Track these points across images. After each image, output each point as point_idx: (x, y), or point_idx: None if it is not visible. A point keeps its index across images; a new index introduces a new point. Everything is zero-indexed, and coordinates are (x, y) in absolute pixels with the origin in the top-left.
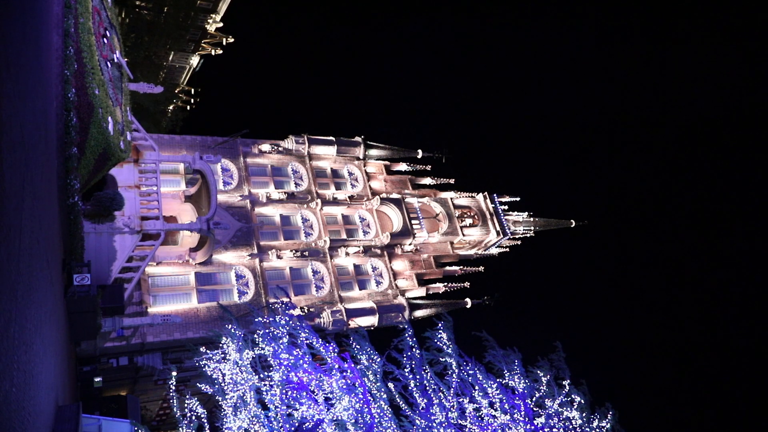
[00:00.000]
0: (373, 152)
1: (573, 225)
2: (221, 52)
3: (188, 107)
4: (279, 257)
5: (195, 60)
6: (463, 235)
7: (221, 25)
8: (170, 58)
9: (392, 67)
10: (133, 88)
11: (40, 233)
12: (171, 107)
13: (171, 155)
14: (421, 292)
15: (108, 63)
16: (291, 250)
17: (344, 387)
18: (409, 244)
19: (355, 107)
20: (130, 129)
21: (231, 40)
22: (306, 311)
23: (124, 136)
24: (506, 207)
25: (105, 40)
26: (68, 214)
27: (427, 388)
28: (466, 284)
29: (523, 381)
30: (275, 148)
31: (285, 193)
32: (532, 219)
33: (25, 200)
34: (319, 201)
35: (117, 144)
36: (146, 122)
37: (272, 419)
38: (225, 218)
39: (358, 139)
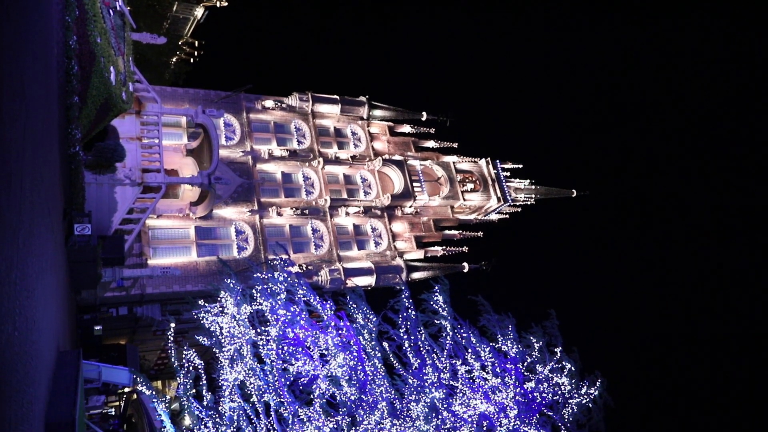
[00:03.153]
0: (377, 113)
1: (574, 195)
2: (226, 3)
3: (192, 60)
4: (279, 214)
5: (199, 11)
6: (464, 199)
7: None
8: (174, 9)
9: (400, 29)
10: (136, 38)
11: (41, 182)
12: (174, 59)
13: (173, 108)
14: (420, 254)
15: (110, 11)
16: (291, 208)
17: (339, 344)
18: (410, 207)
19: (361, 66)
20: (132, 80)
21: None
22: (304, 269)
23: (126, 87)
24: (508, 173)
25: None
26: (69, 163)
27: (421, 348)
28: (465, 249)
29: (515, 346)
30: (279, 104)
31: (287, 150)
32: (533, 187)
33: (26, 149)
34: (321, 159)
35: (119, 94)
36: (148, 74)
37: (268, 373)
38: (226, 173)
39: (362, 98)
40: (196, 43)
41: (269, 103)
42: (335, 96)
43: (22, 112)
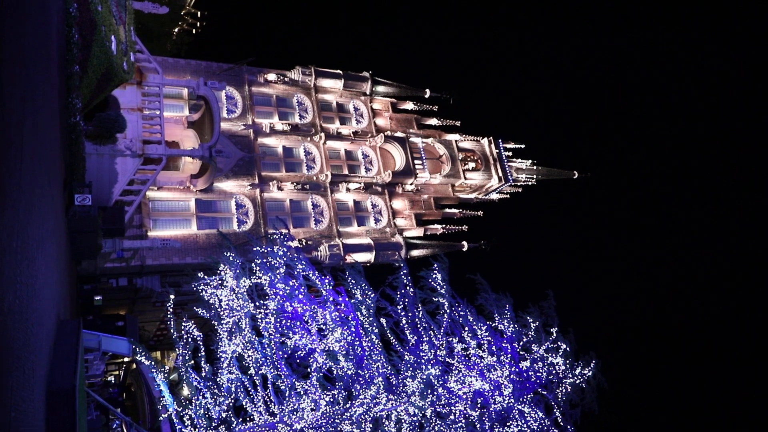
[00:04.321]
0: (381, 89)
1: (576, 176)
2: None
3: (194, 31)
4: (280, 189)
5: None
6: (465, 178)
7: None
8: None
9: (405, 5)
10: (138, 7)
11: (41, 151)
12: (176, 30)
13: (175, 79)
14: (419, 232)
15: None
16: (292, 183)
17: (337, 319)
18: (411, 184)
19: (365, 42)
20: (133, 49)
21: None
22: (304, 244)
23: (127, 57)
24: (510, 153)
25: None
26: (70, 133)
27: (418, 325)
28: (464, 227)
29: (512, 325)
30: (281, 78)
31: (289, 124)
32: (535, 167)
33: (26, 117)
34: (322, 134)
35: (120, 64)
36: (150, 44)
37: (266, 346)
38: (227, 146)
39: (365, 74)
40: (199, 13)
41: (272, 76)
42: (338, 71)
43: (22, 81)
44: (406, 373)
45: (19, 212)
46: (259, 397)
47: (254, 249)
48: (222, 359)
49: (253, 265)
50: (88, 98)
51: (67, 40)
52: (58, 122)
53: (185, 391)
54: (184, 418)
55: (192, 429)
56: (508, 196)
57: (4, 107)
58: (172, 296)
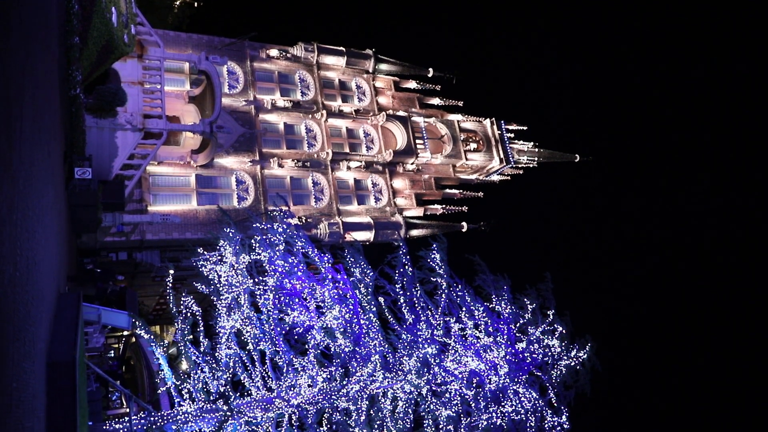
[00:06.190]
0: (383, 67)
1: (577, 159)
2: None
3: (196, 4)
4: (280, 166)
5: None
6: (466, 159)
7: None
8: None
9: None
10: None
11: (41, 123)
12: (178, 2)
13: (176, 53)
14: (419, 212)
15: None
16: (293, 160)
17: (336, 297)
18: (412, 164)
19: (368, 19)
20: (134, 22)
21: None
22: (303, 221)
23: (128, 29)
24: (512, 135)
25: None
26: (70, 106)
27: (416, 305)
28: (464, 208)
29: (509, 307)
30: (283, 54)
31: (290, 101)
32: (537, 150)
33: (25, 89)
34: (324, 112)
35: (121, 37)
36: (151, 16)
37: (264, 322)
38: (228, 122)
39: (368, 51)
40: None
41: (274, 52)
42: (341, 48)
43: (21, 52)
44: (402, 352)
45: (19, 184)
46: (257, 373)
47: (254, 225)
48: (220, 334)
49: (252, 241)
50: (89, 71)
51: (67, 10)
52: (58, 94)
53: (184, 365)
54: (183, 392)
55: (190, 402)
56: (509, 177)
57: (4, 78)
58: (171, 271)
